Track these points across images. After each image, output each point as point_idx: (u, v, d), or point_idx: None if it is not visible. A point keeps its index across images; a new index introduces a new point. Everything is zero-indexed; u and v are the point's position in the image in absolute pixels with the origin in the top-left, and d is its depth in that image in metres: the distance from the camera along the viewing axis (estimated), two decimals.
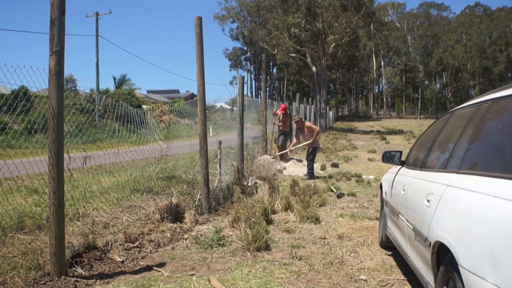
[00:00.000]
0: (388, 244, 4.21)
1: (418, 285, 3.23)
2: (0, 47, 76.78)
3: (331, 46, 33.31)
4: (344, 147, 17.95)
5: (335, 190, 7.69)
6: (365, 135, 27.68)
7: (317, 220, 5.51)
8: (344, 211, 6.24)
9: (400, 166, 4.06)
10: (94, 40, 25.51)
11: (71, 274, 3.35)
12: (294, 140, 10.64)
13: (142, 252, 4.08)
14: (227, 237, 4.56)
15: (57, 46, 3.17)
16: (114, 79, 38.30)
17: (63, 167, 3.32)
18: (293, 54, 37.47)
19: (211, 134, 12.29)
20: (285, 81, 66.39)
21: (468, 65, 59.88)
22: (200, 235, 4.66)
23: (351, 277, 3.56)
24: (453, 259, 1.96)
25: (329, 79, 48.43)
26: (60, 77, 3.23)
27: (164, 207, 4.97)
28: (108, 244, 4.01)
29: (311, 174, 9.40)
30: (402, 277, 3.62)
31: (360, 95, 74.62)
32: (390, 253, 4.28)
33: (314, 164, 9.94)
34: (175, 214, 5.05)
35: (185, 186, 6.64)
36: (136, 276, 3.47)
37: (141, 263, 3.80)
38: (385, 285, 3.44)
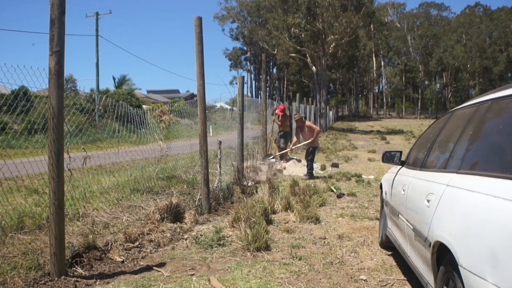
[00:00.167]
0: (388, 244, 4.21)
1: (418, 285, 3.23)
2: (0, 47, 76.83)
3: (331, 46, 33.31)
4: (344, 147, 17.95)
5: (335, 190, 7.69)
6: (365, 135, 27.68)
7: (317, 220, 5.51)
8: (344, 211, 6.24)
9: (400, 166, 4.06)
10: (94, 40, 25.53)
11: (71, 274, 3.35)
12: (294, 139, 10.64)
13: (142, 252, 4.08)
14: (227, 237, 4.56)
15: (57, 46, 3.17)
16: (114, 79, 38.35)
17: (63, 167, 3.32)
18: (293, 54, 37.47)
19: (211, 134, 12.29)
20: (285, 81, 66.40)
21: (468, 65, 59.89)
22: (200, 235, 4.66)
23: (351, 277, 3.56)
24: (453, 259, 1.96)
25: (329, 79, 48.44)
26: (60, 77, 3.23)
27: (164, 207, 4.97)
28: (108, 244, 4.01)
29: (311, 174, 9.40)
30: (402, 277, 3.62)
31: (360, 95, 74.63)
32: (390, 253, 4.28)
33: (314, 164, 9.95)
34: (175, 214, 5.05)
35: (185, 186, 6.64)
36: (136, 276, 3.47)
37: (141, 263, 3.80)
38: (385, 285, 3.44)
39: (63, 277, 3.24)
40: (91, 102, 19.14)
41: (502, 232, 1.65)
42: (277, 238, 4.72)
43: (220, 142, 6.96)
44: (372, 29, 58.00)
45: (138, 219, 4.86)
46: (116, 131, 6.53)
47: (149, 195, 5.88)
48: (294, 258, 4.02)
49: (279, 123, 11.76)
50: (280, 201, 6.23)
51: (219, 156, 6.91)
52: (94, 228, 4.43)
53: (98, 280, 3.32)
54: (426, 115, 62.67)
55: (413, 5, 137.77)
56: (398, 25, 69.69)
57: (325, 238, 4.77)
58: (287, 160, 11.10)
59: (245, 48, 69.88)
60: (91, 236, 4.07)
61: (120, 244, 4.06)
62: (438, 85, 66.47)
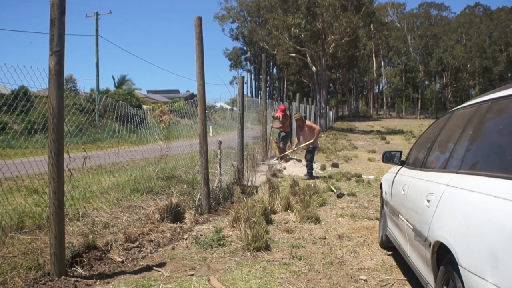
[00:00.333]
0: (388, 244, 4.21)
1: (418, 285, 3.23)
2: (0, 47, 76.85)
3: (331, 46, 33.31)
4: (344, 147, 17.95)
5: (335, 190, 7.69)
6: (365, 135, 27.68)
7: (317, 220, 5.51)
8: (344, 211, 6.24)
9: (400, 166, 4.06)
10: (94, 40, 25.54)
11: (71, 274, 3.35)
12: (296, 141, 10.64)
13: (142, 252, 4.08)
14: (227, 237, 4.56)
15: (57, 46, 3.17)
16: (114, 79, 38.34)
17: (63, 167, 3.32)
18: (293, 54, 37.48)
19: (211, 134, 12.29)
20: (285, 81, 66.40)
21: (468, 65, 59.89)
22: (200, 235, 4.66)
23: (351, 277, 3.56)
24: (453, 259, 1.96)
25: (329, 79, 48.44)
26: (60, 77, 3.23)
27: (164, 207, 4.97)
28: (108, 244, 4.01)
29: (310, 174, 9.40)
30: (402, 277, 3.62)
31: (360, 95, 74.62)
32: (390, 253, 4.28)
33: (314, 164, 9.94)
34: (175, 214, 5.05)
35: (185, 186, 6.64)
36: (136, 276, 3.47)
37: (141, 263, 3.80)
38: (385, 285, 3.44)
39: (63, 277, 3.24)
40: (91, 102, 19.14)
41: (502, 232, 1.64)
42: (277, 238, 4.72)
43: (220, 142, 6.96)
44: (372, 29, 58.03)
45: (138, 219, 4.86)
46: (116, 131, 6.53)
47: (149, 195, 5.88)
48: (294, 258, 4.01)
49: (278, 127, 11.75)
50: (280, 201, 6.23)
51: (219, 156, 6.91)
52: (94, 228, 4.43)
53: (98, 280, 3.32)
54: (426, 115, 62.67)
55: (413, 5, 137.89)
56: (398, 25, 69.70)
57: (325, 238, 4.77)
58: (287, 160, 11.10)
59: (245, 48, 69.89)
60: (91, 236, 4.07)
61: (120, 244, 4.06)
62: (438, 85, 66.48)
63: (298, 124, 10.02)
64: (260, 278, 3.42)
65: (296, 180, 8.04)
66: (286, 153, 11.36)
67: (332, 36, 32.34)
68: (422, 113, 63.78)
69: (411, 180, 3.27)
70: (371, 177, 9.75)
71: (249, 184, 7.46)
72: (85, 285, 3.23)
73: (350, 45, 36.68)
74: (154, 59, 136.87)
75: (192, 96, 45.89)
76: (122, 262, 3.78)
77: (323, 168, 11.01)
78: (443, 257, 2.21)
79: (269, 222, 5.29)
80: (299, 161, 10.93)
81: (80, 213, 4.80)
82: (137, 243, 4.21)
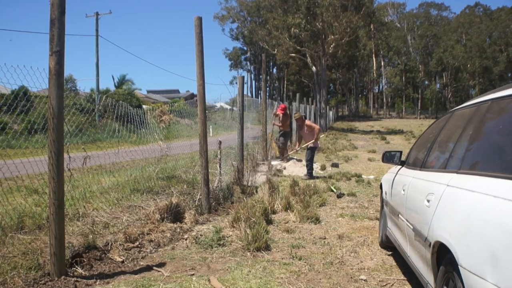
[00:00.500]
0: (388, 244, 4.21)
1: (418, 285, 3.23)
2: (0, 47, 76.87)
3: (331, 46, 33.31)
4: (344, 147, 17.95)
5: (335, 190, 7.69)
6: (365, 135, 27.68)
7: (317, 220, 5.51)
8: (344, 211, 6.24)
9: (400, 166, 4.06)
10: (94, 40, 25.54)
11: (71, 274, 3.35)
12: (297, 141, 10.65)
13: (142, 252, 4.08)
14: (227, 237, 4.56)
15: (57, 46, 3.17)
16: (114, 79, 38.33)
17: (63, 167, 3.32)
18: (293, 54, 37.48)
19: (211, 134, 12.28)
20: (285, 81, 66.38)
21: (468, 65, 59.89)
22: (200, 235, 4.66)
23: (351, 277, 3.56)
24: (453, 259, 1.96)
25: (329, 79, 48.44)
26: (60, 77, 3.23)
27: (164, 207, 4.97)
28: (108, 244, 4.01)
29: (310, 174, 9.40)
30: (402, 277, 3.62)
31: (360, 95, 74.63)
32: (390, 253, 4.28)
33: (314, 164, 9.94)
34: (175, 214, 5.05)
35: (185, 186, 6.64)
36: (136, 276, 3.47)
37: (141, 263, 3.80)
38: (385, 285, 3.44)
39: (63, 277, 3.24)
40: (91, 102, 19.14)
41: (502, 232, 1.64)
42: (277, 238, 4.72)
43: (220, 142, 6.96)
44: (372, 29, 58.01)
45: (138, 219, 4.86)
46: (116, 131, 6.52)
47: (149, 195, 5.88)
48: (294, 258, 4.01)
49: (280, 124, 11.75)
50: (280, 201, 6.23)
51: (219, 156, 6.91)
52: (94, 228, 4.43)
53: (98, 280, 3.32)
54: (426, 115, 62.66)
55: (413, 5, 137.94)
56: (398, 25, 69.71)
57: (325, 238, 4.77)
58: (287, 160, 11.10)
59: (245, 48, 69.89)
60: (91, 236, 4.07)
61: (120, 244, 4.06)
62: (438, 85, 66.48)
63: (298, 124, 10.02)
64: (260, 278, 3.42)
65: (296, 180, 8.04)
66: (290, 152, 11.38)
67: (332, 36, 32.34)
68: (422, 113, 63.77)
69: (411, 180, 3.27)
70: (371, 177, 9.75)
71: (249, 184, 7.46)
72: (85, 285, 3.23)
73: (350, 45, 36.70)
74: (154, 59, 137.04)
75: (192, 96, 45.88)
76: (122, 262, 3.78)
77: (323, 168, 11.01)
78: (443, 257, 2.21)
79: (269, 222, 5.29)
80: (299, 161, 10.93)
81: (80, 213, 4.80)
82: (137, 243, 4.21)
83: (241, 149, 7.98)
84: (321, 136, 9.86)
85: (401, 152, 4.18)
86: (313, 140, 9.51)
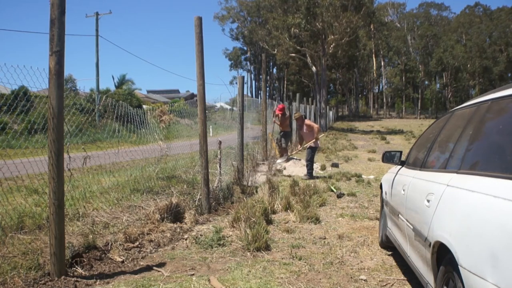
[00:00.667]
0: (388, 244, 4.21)
1: (418, 285, 3.23)
2: (0, 47, 76.89)
3: (331, 46, 33.31)
4: (344, 147, 17.95)
5: (335, 190, 7.69)
6: (365, 135, 27.69)
7: (317, 220, 5.51)
8: (344, 211, 6.24)
9: (400, 166, 4.06)
10: (94, 40, 25.53)
11: (71, 274, 3.35)
12: (299, 142, 10.65)
13: (142, 252, 4.08)
14: (227, 237, 4.56)
15: (57, 46, 3.17)
16: (114, 79, 38.32)
17: (63, 167, 3.32)
18: (293, 54, 37.48)
19: (211, 134, 12.28)
20: (285, 81, 66.38)
21: (468, 65, 59.89)
22: (200, 235, 4.66)
23: (351, 277, 3.56)
24: (453, 259, 1.96)
25: (329, 79, 48.45)
26: (60, 77, 3.23)
27: (164, 207, 4.97)
28: (108, 244, 4.01)
29: (310, 174, 9.40)
30: (402, 277, 3.62)
31: (360, 95, 74.62)
32: (390, 253, 4.28)
33: (314, 164, 9.94)
34: (175, 214, 5.05)
35: (185, 186, 6.64)
36: (136, 276, 3.47)
37: (141, 263, 3.80)
38: (385, 285, 3.44)
39: (63, 277, 3.24)
40: (91, 102, 19.14)
41: (502, 232, 1.64)
42: (277, 238, 4.72)
43: (220, 142, 6.96)
44: (372, 29, 58.03)
45: (138, 219, 4.86)
46: (116, 131, 6.53)
47: (149, 195, 5.88)
48: (294, 258, 4.01)
49: (279, 123, 11.75)
50: (280, 201, 6.23)
51: (219, 156, 6.91)
52: (94, 228, 4.43)
53: (98, 280, 3.32)
54: (426, 115, 62.66)
55: (413, 5, 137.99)
56: (398, 25, 69.72)
57: (325, 238, 4.77)
58: (287, 160, 11.10)
59: (245, 48, 69.90)
60: (91, 236, 4.07)
61: (120, 244, 4.06)
62: (438, 85, 66.48)
63: (298, 123, 10.02)
64: (260, 278, 3.42)
65: (296, 180, 8.04)
66: (293, 152, 11.39)
67: (332, 36, 32.35)
68: (422, 113, 63.77)
69: (411, 180, 3.27)
70: (371, 177, 9.75)
71: (249, 184, 7.46)
72: (85, 285, 3.23)
73: (350, 45, 36.69)
74: (154, 59, 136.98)
75: (192, 96, 45.88)
76: (122, 262, 3.78)
77: (323, 168, 11.01)
78: (443, 257, 2.21)
79: (269, 222, 5.29)
80: (299, 161, 10.93)
81: (80, 213, 4.80)
82: (137, 243, 4.21)
83: (241, 149, 7.98)
84: (320, 136, 9.86)
85: (401, 152, 4.18)
86: (313, 140, 9.50)
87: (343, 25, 31.29)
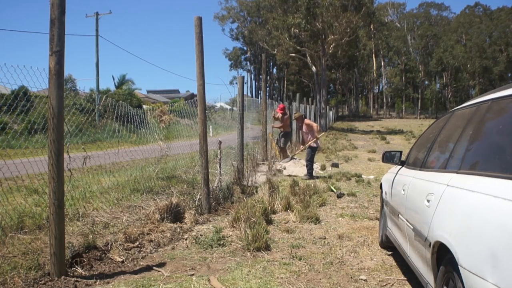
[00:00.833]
0: (388, 244, 4.21)
1: (418, 285, 3.23)
2: (0, 47, 76.91)
3: (331, 46, 33.32)
4: (344, 147, 17.96)
5: (335, 190, 7.69)
6: (365, 135, 27.69)
7: (317, 220, 5.51)
8: (344, 211, 6.24)
9: (400, 166, 4.06)
10: (94, 40, 25.54)
11: (71, 274, 3.35)
12: (301, 143, 10.66)
13: (142, 252, 4.08)
14: (227, 237, 4.56)
15: (57, 46, 3.17)
16: (114, 79, 38.32)
17: (63, 167, 3.31)
18: (293, 54, 37.49)
19: (211, 134, 12.29)
20: (285, 81, 66.39)
21: (468, 65, 59.90)
22: (200, 235, 4.66)
23: (351, 277, 3.56)
24: (453, 259, 1.96)
25: (329, 79, 48.46)
26: (60, 77, 3.23)
27: (164, 207, 4.97)
28: (108, 244, 4.01)
29: (310, 174, 9.40)
30: (402, 277, 3.61)
31: (360, 95, 74.63)
32: (390, 253, 4.28)
33: (314, 164, 9.94)
34: (175, 214, 5.05)
35: (185, 186, 6.64)
36: (136, 276, 3.47)
37: (141, 263, 3.80)
38: (385, 285, 3.44)
39: (63, 277, 3.24)
40: (91, 102, 19.15)
41: (502, 232, 1.64)
42: (277, 238, 4.72)
43: (220, 142, 6.96)
44: (372, 29, 58.06)
45: (138, 219, 4.86)
46: (116, 131, 6.53)
47: (149, 195, 5.88)
48: (294, 258, 4.01)
49: (279, 125, 11.74)
50: (280, 201, 6.23)
51: (219, 156, 6.91)
52: (94, 228, 4.43)
53: (98, 280, 3.32)
54: (426, 115, 62.67)
55: (413, 5, 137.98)
56: (398, 25, 69.73)
57: (325, 238, 4.77)
58: (289, 160, 11.10)
59: (245, 48, 69.90)
60: (91, 236, 4.07)
61: (120, 244, 4.06)
62: (438, 85, 66.49)
63: (299, 123, 10.03)
64: (260, 278, 3.42)
65: (296, 180, 8.04)
66: (296, 152, 11.39)
67: (332, 36, 32.35)
68: (422, 113, 63.78)
69: (411, 180, 3.27)
70: (371, 177, 9.75)
71: (249, 184, 7.46)
72: (85, 285, 3.23)
73: (350, 45, 36.72)
74: (154, 59, 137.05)
75: (192, 96, 45.88)
76: (122, 262, 3.78)
77: (323, 168, 11.01)
78: (443, 257, 2.21)
79: (269, 222, 5.29)
80: (299, 161, 10.92)
81: (80, 213, 4.80)
82: (137, 243, 4.21)
83: (241, 149, 7.98)
84: (319, 136, 9.86)
85: (401, 152, 4.18)
86: (314, 139, 9.51)
87: (343, 25, 31.30)
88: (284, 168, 10.36)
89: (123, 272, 3.54)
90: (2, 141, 5.96)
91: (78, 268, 3.48)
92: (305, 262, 3.90)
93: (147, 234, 4.47)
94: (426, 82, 66.69)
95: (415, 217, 2.87)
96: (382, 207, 4.66)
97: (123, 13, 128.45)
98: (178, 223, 4.99)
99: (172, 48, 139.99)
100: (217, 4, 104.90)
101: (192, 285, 3.23)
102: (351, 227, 5.35)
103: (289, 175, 9.60)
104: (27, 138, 5.72)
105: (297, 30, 32.04)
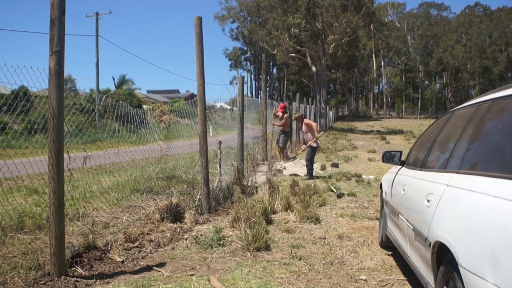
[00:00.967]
0: (388, 244, 4.21)
1: (418, 285, 3.23)
2: (0, 47, 76.91)
3: (331, 46, 33.33)
4: (344, 147, 17.96)
5: (335, 190, 7.69)
6: (365, 135, 27.69)
7: (317, 220, 5.51)
8: (344, 211, 6.24)
9: (400, 166, 4.06)
10: (94, 40, 25.54)
11: (71, 274, 3.35)
12: (302, 143, 10.68)
13: (142, 252, 4.08)
14: (227, 237, 4.56)
15: (57, 46, 3.17)
16: (114, 79, 38.31)
17: (63, 167, 3.31)
18: (293, 54, 37.49)
19: (211, 134, 12.29)
20: (285, 81, 66.39)
21: (468, 65, 59.91)
22: (200, 235, 4.66)
23: (351, 277, 3.56)
24: (453, 259, 1.96)
25: (329, 79, 48.47)
26: (60, 77, 3.23)
27: (164, 207, 4.97)
28: (108, 244, 4.01)
29: (310, 174, 9.40)
30: (402, 277, 3.61)
31: (360, 95, 74.63)
32: (390, 253, 4.28)
33: (314, 164, 9.94)
34: (175, 214, 5.05)
35: (185, 186, 6.64)
36: (136, 276, 3.47)
37: (141, 263, 3.80)
38: (385, 285, 3.44)
39: (63, 277, 3.24)
40: (91, 102, 19.15)
41: (502, 232, 1.64)
42: (277, 238, 4.72)
43: (220, 142, 6.96)
44: (372, 29, 58.04)
45: (138, 219, 4.86)
46: (116, 131, 6.53)
47: (149, 195, 5.88)
48: (294, 258, 4.01)
49: (279, 124, 11.76)
50: (280, 201, 6.23)
51: (219, 156, 6.91)
52: (94, 228, 4.43)
53: (98, 280, 3.32)
54: (426, 115, 62.67)
55: (413, 5, 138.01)
56: (398, 25, 69.75)
57: (325, 238, 4.77)
58: (290, 160, 11.11)
59: (245, 48, 69.90)
60: (91, 236, 4.07)
61: (120, 244, 4.06)
62: (438, 85, 66.51)
63: (299, 123, 10.03)
64: (260, 278, 3.42)
65: (296, 180, 8.04)
66: (298, 152, 11.40)
67: (332, 36, 32.36)
68: (422, 113, 63.78)
69: (411, 180, 3.27)
70: (371, 177, 9.75)
71: (249, 184, 7.46)
72: (85, 285, 3.23)
73: (350, 45, 36.72)
74: (154, 59, 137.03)
75: (192, 96, 45.88)
76: (122, 262, 3.78)
77: (323, 168, 11.01)
78: (443, 257, 2.21)
79: (269, 222, 5.29)
80: (299, 161, 10.93)
81: (80, 213, 4.80)
82: (137, 243, 4.21)
83: (241, 149, 7.98)
84: (319, 135, 9.87)
85: (401, 152, 4.18)
86: (314, 139, 9.51)
87: (343, 25, 31.31)
88: (284, 168, 10.36)
89: (123, 272, 3.54)
90: (2, 141, 5.97)
91: (78, 268, 3.48)
92: (305, 262, 3.90)
93: (147, 234, 4.47)
94: (426, 82, 66.71)
95: (415, 217, 2.87)
96: (382, 207, 4.66)
97: (123, 13, 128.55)
98: (178, 223, 4.99)
99: (172, 48, 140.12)
100: (217, 4, 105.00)
101: (192, 285, 3.23)
102: (351, 227, 5.35)
103: (289, 175, 9.60)
104: (27, 138, 5.71)
105: (297, 30, 32.05)
